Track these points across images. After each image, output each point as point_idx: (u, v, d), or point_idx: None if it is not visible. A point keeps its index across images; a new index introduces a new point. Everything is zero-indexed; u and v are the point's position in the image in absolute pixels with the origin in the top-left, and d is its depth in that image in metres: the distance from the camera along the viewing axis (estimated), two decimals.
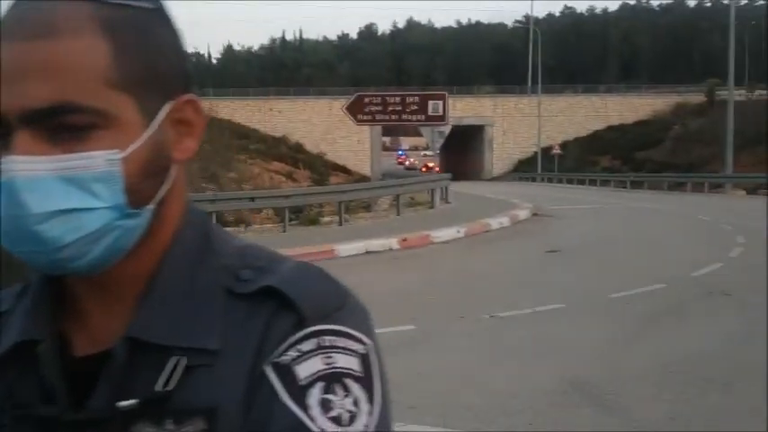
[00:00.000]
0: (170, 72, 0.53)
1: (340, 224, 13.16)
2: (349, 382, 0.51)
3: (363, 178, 32.57)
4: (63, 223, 0.48)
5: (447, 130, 17.64)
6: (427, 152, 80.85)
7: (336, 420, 0.49)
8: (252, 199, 13.15)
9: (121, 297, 0.54)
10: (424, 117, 17.02)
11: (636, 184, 32.13)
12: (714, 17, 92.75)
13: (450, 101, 51.72)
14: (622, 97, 58.07)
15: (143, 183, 0.51)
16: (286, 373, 0.51)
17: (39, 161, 0.48)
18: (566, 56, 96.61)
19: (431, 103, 17.06)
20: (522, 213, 14.77)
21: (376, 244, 10.29)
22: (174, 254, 0.55)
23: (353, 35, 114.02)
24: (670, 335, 5.41)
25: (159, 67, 0.52)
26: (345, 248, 9.82)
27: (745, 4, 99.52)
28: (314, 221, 13.65)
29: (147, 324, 0.52)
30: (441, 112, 17.00)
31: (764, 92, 50.94)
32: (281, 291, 0.53)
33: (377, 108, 17.01)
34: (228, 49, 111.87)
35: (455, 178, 41.35)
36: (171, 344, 0.52)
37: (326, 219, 14.40)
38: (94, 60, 0.49)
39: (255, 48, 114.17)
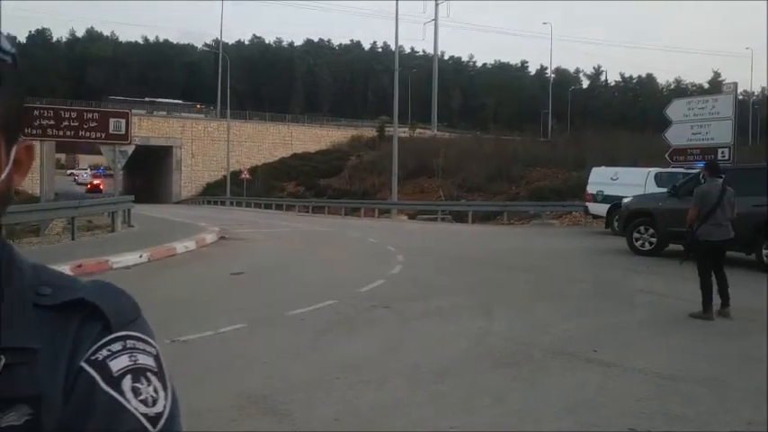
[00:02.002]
0: (19, 118, 0.64)
1: None
2: (149, 375, 0.67)
3: (33, 199, 29.08)
4: None
5: (130, 150, 16.84)
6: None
7: (144, 402, 0.65)
8: None
9: None
10: (104, 135, 15.98)
11: (318, 209, 34.33)
12: (385, 61, 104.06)
13: (135, 119, 48.93)
14: (306, 127, 61.62)
15: (0, 209, 0.63)
16: (102, 367, 0.65)
17: None
18: (255, 83, 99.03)
19: (112, 120, 16.12)
20: (209, 237, 14.78)
21: None
22: None
23: (22, 39, 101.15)
24: (337, 345, 6.00)
25: (18, 113, 0.63)
26: None
27: (409, 53, 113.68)
28: None
29: None
30: (123, 131, 16.17)
31: (424, 130, 58.74)
32: (91, 303, 0.68)
33: (49, 122, 15.43)
34: None
35: (142, 201, 39.27)
36: None
37: None
38: None
39: None
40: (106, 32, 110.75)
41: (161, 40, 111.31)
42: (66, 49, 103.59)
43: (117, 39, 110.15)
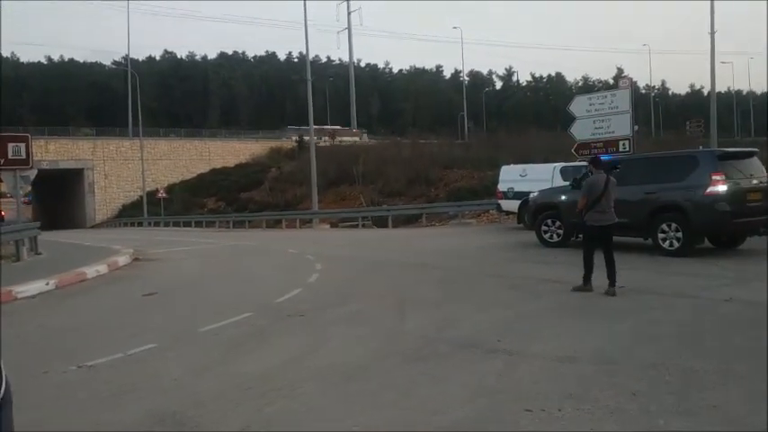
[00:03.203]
0: None
1: None
2: None
3: None
4: None
5: (33, 174, 16.19)
6: None
7: None
8: None
9: None
10: (2, 161, 15.32)
11: (238, 224, 33.90)
12: (301, 71, 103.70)
13: (41, 142, 46.99)
14: (224, 142, 60.68)
15: None
16: None
17: None
18: (168, 99, 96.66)
19: (11, 145, 15.43)
20: (122, 259, 14.39)
21: None
22: None
23: None
24: (250, 356, 6.02)
25: None
26: None
27: (326, 62, 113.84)
28: None
29: None
30: (24, 156, 15.53)
31: (345, 138, 58.93)
32: None
33: None
34: None
35: (54, 227, 37.65)
36: None
37: None
38: None
39: None
40: (5, 53, 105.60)
41: (66, 59, 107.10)
42: None
43: (18, 59, 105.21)
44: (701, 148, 14.89)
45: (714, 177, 10.73)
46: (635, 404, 4.29)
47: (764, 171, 11.57)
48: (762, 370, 4.89)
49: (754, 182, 11.14)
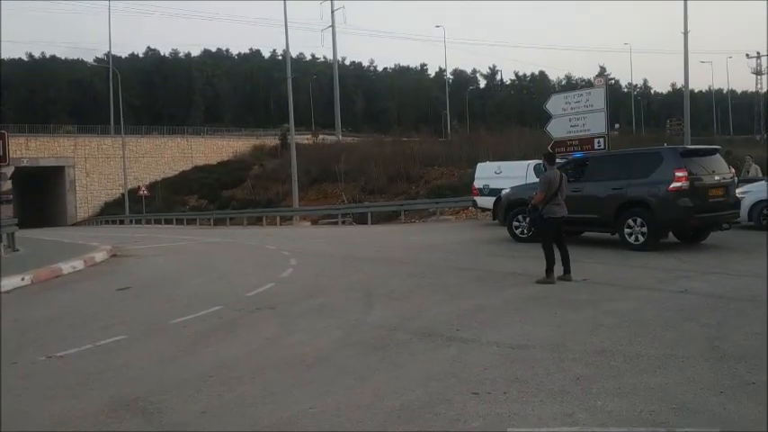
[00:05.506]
0: None
1: None
2: None
3: None
4: None
5: (10, 171, 16.20)
6: None
7: None
8: None
9: None
10: None
11: (219, 221, 33.93)
12: (285, 69, 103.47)
13: (21, 140, 46.58)
14: (207, 139, 60.46)
15: None
16: None
17: None
18: (151, 97, 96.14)
19: None
20: (99, 255, 14.47)
21: None
22: None
23: None
24: (216, 347, 6.19)
25: None
26: None
27: (310, 60, 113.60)
28: None
29: None
30: (1, 152, 15.55)
31: (328, 136, 59.02)
32: None
33: None
34: None
35: (34, 225, 37.44)
36: None
37: None
38: None
39: None
40: None
41: (48, 56, 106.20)
42: None
43: None
44: (665, 145, 15.21)
45: (677, 174, 11.02)
46: (578, 387, 4.52)
47: (727, 168, 11.90)
48: (703, 354, 5.16)
49: (717, 178, 11.46)
